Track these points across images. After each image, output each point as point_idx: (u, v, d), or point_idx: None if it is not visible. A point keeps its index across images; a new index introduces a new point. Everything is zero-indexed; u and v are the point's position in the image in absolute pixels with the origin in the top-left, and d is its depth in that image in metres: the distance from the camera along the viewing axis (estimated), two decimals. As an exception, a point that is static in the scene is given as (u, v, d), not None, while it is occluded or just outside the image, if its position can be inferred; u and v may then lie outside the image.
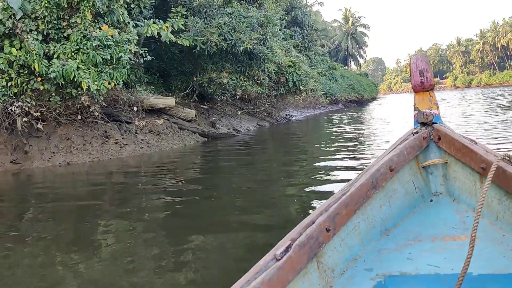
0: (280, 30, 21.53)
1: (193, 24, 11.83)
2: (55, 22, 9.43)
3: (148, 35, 10.76)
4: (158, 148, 11.10)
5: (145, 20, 10.96)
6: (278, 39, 21.14)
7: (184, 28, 11.58)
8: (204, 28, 11.83)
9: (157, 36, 11.02)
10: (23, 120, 9.38)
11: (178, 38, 11.69)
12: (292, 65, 20.19)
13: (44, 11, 9.28)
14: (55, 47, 9.21)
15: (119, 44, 9.64)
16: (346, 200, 1.56)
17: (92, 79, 9.22)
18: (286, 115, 23.15)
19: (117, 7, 9.90)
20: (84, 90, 9.20)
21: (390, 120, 18.94)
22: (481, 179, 1.75)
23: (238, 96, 14.48)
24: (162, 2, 12.54)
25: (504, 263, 1.44)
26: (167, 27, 11.09)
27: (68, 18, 9.45)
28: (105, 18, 9.91)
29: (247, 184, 6.85)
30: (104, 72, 9.50)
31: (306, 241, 1.35)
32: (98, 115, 10.18)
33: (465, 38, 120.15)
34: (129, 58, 9.81)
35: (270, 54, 13.57)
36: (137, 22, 10.78)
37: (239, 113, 18.22)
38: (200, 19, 11.93)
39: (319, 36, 42.68)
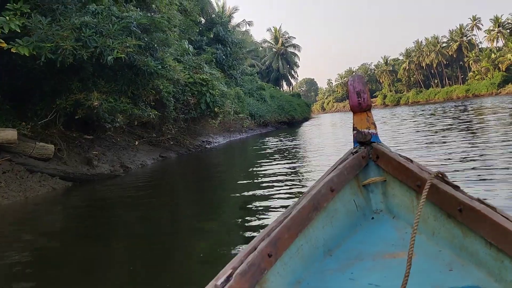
0: (184, 39, 18.47)
1: (37, 25, 8.34)
2: None
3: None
4: (-26, 207, 7.38)
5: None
6: (188, 53, 18.03)
7: (20, 32, 8.07)
8: (54, 30, 8.37)
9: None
10: None
11: (13, 44, 8.16)
12: (204, 83, 17.14)
13: None
14: None
15: None
16: (288, 223, 1.56)
17: None
18: (202, 141, 19.85)
19: None
20: None
21: (321, 144, 16.23)
22: (418, 196, 1.78)
23: (121, 122, 10.98)
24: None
25: (440, 278, 1.47)
26: (-12, 27, 7.54)
27: None
28: None
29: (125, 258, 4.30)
30: None
31: (248, 268, 1.34)
32: None
33: (392, 57, 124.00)
34: None
35: (159, 67, 10.31)
36: None
37: (136, 143, 14.74)
38: (46, 19, 8.45)
39: (245, 55, 40.18)
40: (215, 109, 17.19)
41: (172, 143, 16.32)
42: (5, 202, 7.86)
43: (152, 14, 10.65)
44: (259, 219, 5.14)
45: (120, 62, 9.65)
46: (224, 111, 17.90)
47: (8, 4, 8.47)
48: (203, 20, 35.37)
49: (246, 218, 5.34)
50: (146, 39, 10.30)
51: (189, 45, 19.04)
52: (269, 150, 15.64)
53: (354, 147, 2.10)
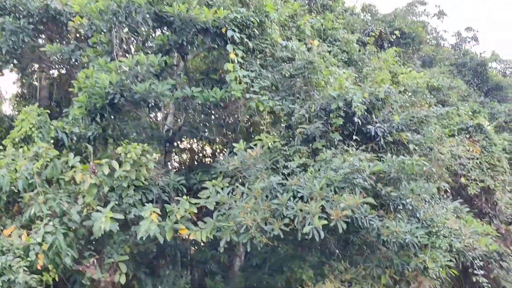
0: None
1: (224, 200, 6.42)
2: None
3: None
4: None
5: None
6: None
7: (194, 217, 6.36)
8: (239, 203, 6.23)
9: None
10: None
11: (191, 229, 6.44)
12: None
13: None
14: None
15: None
16: None
17: None
18: None
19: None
20: None
21: None
22: None
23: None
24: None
25: None
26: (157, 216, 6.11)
27: None
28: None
29: None
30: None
31: None
32: None
33: None
34: None
35: (421, 234, 6.37)
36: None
37: None
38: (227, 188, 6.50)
39: None
40: None
41: None
42: None
43: (405, 155, 7.17)
44: None
45: (352, 233, 6.44)
46: None
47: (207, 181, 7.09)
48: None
49: None
50: (393, 193, 6.75)
51: None
52: None
53: None
